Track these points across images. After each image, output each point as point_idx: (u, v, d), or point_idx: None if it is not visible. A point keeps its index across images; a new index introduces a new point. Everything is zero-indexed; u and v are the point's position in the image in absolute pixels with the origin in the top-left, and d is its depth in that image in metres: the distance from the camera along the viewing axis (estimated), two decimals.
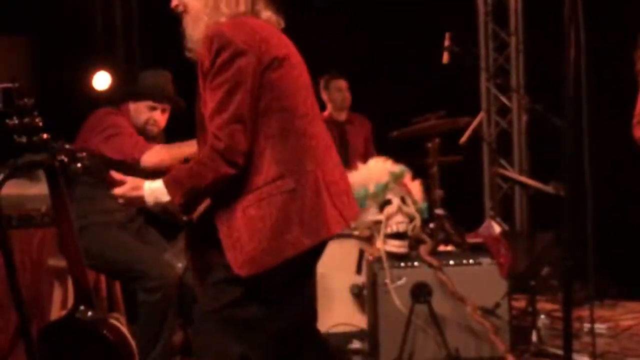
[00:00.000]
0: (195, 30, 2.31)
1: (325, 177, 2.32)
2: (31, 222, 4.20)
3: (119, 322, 2.23)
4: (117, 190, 2.24)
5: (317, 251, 2.38)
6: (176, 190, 2.19)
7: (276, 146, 2.26)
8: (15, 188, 4.20)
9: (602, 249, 4.38)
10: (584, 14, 2.23)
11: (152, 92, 3.66)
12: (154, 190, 2.21)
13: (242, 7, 2.32)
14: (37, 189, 4.17)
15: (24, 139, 1.98)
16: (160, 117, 3.68)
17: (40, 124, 1.98)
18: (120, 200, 2.28)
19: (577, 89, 2.23)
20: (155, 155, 3.47)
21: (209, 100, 2.22)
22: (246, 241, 2.22)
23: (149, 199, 2.22)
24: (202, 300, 2.35)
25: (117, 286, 4.06)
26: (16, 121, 1.96)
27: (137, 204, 2.27)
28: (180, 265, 3.52)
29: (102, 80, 6.55)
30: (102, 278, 4.00)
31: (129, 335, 2.18)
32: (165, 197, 2.20)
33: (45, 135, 1.99)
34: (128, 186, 2.23)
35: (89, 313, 2.15)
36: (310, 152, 2.32)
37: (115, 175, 2.26)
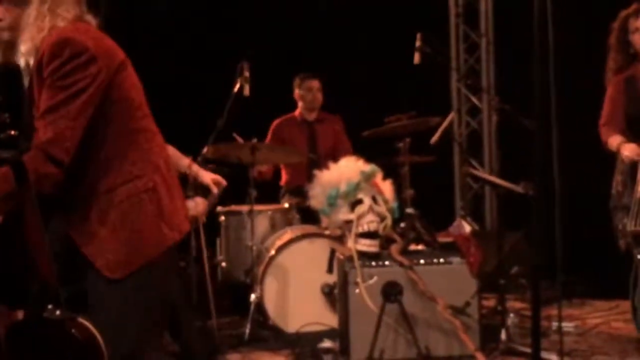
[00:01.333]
0: (27, 33, 2.24)
1: (169, 174, 2.38)
2: None
3: (86, 320, 2.20)
4: None
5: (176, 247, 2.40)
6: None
7: (128, 147, 2.28)
8: None
9: (570, 248, 4.45)
10: (554, 15, 2.24)
11: None
12: None
13: (77, 11, 2.30)
14: None
15: None
16: None
17: (7, 121, 1.96)
18: None
19: (546, 90, 2.25)
20: None
21: (44, 99, 2.17)
22: (114, 244, 2.23)
23: None
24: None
25: None
26: None
27: None
28: None
29: None
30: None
31: (97, 334, 2.15)
32: None
33: (12, 132, 1.97)
34: None
35: (56, 312, 2.12)
36: (157, 150, 2.36)
37: None
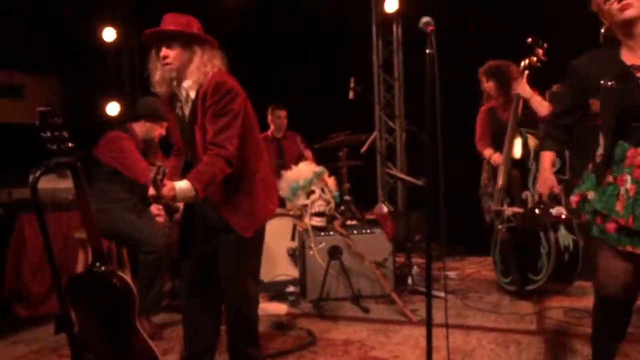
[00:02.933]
0: (194, 75, 2.28)
1: (266, 169, 2.51)
2: (61, 207, 4.09)
3: (125, 274, 2.18)
4: (151, 194, 2.09)
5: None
6: (199, 187, 2.13)
7: (254, 152, 2.39)
8: (49, 182, 4.10)
9: (454, 221, 4.50)
10: (440, 65, 2.25)
11: (157, 113, 3.54)
12: (183, 189, 2.11)
13: (221, 63, 2.35)
14: (66, 183, 4.07)
15: (54, 147, 1.92)
16: (162, 131, 3.59)
17: (67, 135, 1.93)
18: (155, 202, 2.14)
19: (435, 115, 2.25)
20: None
21: (212, 122, 2.23)
22: (246, 214, 2.34)
23: (179, 197, 2.11)
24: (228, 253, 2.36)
25: (124, 251, 3.97)
26: (49, 134, 1.90)
27: (168, 200, 2.10)
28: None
29: (113, 109, 6.42)
30: (113, 246, 3.91)
31: (131, 283, 2.13)
32: (191, 194, 2.12)
33: (70, 144, 1.94)
34: (165, 189, 2.08)
35: (102, 268, 2.10)
36: (262, 155, 2.46)
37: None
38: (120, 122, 3.74)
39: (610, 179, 2.05)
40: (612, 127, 2.02)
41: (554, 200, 2.30)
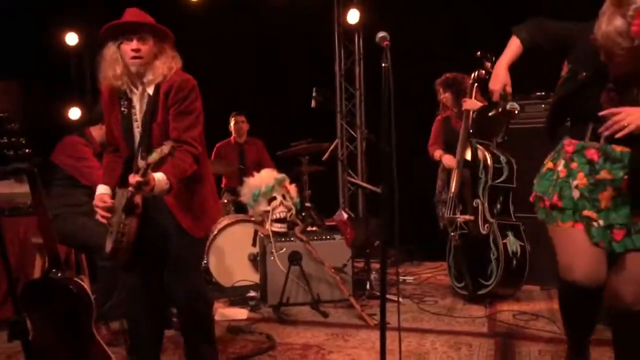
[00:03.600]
0: (157, 71, 2.24)
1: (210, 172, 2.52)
2: (19, 212, 3.96)
3: (82, 281, 2.15)
4: (134, 178, 2.02)
5: None
6: (174, 180, 2.11)
7: (204, 154, 2.37)
8: (7, 188, 3.99)
9: (411, 227, 4.59)
10: (396, 78, 2.30)
11: None
12: (160, 181, 2.07)
13: (180, 62, 2.33)
14: (23, 188, 3.94)
15: (11, 153, 1.89)
16: None
17: (24, 142, 1.90)
18: (137, 189, 2.06)
19: (390, 126, 2.30)
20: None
21: (177, 120, 2.21)
22: (202, 213, 2.35)
23: (157, 188, 2.07)
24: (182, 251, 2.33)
25: (83, 257, 3.90)
26: (5, 140, 1.87)
27: (146, 189, 2.06)
28: None
29: (75, 113, 6.31)
30: (72, 252, 3.83)
31: (89, 290, 2.11)
32: (166, 186, 2.10)
33: (27, 150, 1.91)
34: (144, 177, 2.03)
35: (59, 274, 2.07)
36: (207, 157, 2.50)
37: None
38: (79, 126, 3.66)
39: (550, 165, 2.18)
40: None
41: (505, 99, 2.23)
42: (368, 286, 4.24)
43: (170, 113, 2.21)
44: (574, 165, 2.09)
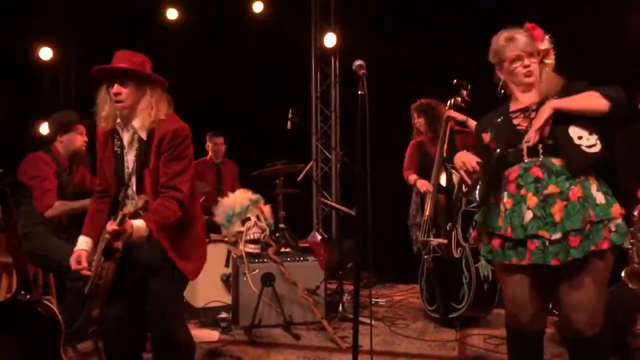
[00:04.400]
0: (140, 116, 2.26)
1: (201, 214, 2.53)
2: None
3: (50, 302, 2.11)
4: (111, 226, 2.03)
5: None
6: (154, 227, 2.12)
7: (196, 197, 2.43)
8: None
9: (384, 250, 4.61)
10: (372, 100, 2.34)
11: (75, 121, 3.47)
12: (139, 227, 2.09)
13: (168, 108, 2.33)
14: None
15: None
16: (84, 137, 3.50)
17: None
18: (114, 238, 2.09)
19: (365, 148, 2.34)
20: (55, 210, 3.31)
21: (167, 166, 2.22)
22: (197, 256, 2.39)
23: (135, 235, 2.08)
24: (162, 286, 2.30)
25: (51, 277, 3.80)
26: None
27: (123, 237, 2.08)
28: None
29: (45, 128, 6.22)
30: (39, 272, 3.73)
31: (57, 311, 2.06)
32: (145, 233, 2.11)
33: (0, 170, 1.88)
34: (121, 226, 2.04)
35: (27, 296, 2.02)
36: (198, 200, 2.50)
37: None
38: (46, 143, 3.60)
39: (491, 199, 2.23)
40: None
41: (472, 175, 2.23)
42: (340, 308, 4.24)
43: (162, 160, 2.24)
44: (522, 191, 2.14)
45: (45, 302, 2.04)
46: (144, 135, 2.27)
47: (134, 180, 2.28)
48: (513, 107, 2.28)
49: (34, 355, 2.04)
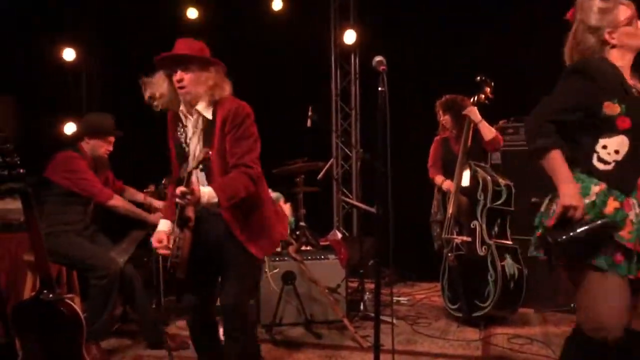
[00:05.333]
0: (205, 98, 2.32)
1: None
2: (11, 228, 3.94)
3: (73, 301, 2.12)
4: (179, 189, 2.13)
5: None
6: (222, 196, 2.18)
7: (262, 177, 2.46)
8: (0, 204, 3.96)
9: (405, 248, 4.57)
10: (392, 99, 2.31)
11: (108, 129, 3.50)
12: (207, 193, 2.16)
13: (230, 89, 2.42)
14: (16, 204, 3.92)
15: (5, 172, 1.87)
16: (109, 147, 3.55)
17: (18, 161, 1.89)
18: (182, 199, 2.14)
19: (386, 146, 2.31)
20: (116, 202, 3.39)
21: (235, 146, 2.28)
22: (266, 234, 2.44)
23: (203, 199, 2.15)
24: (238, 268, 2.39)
25: (74, 275, 3.85)
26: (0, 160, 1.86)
27: (194, 201, 2.15)
28: (121, 260, 3.39)
29: (70, 128, 6.31)
30: (64, 269, 3.79)
31: (79, 310, 2.08)
32: (214, 200, 2.17)
33: (21, 170, 1.90)
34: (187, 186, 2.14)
35: (50, 295, 2.04)
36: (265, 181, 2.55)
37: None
38: (73, 141, 3.64)
39: (616, 204, 1.93)
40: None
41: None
42: (362, 307, 4.20)
43: (228, 140, 2.29)
44: None
45: (68, 301, 2.05)
46: (209, 115, 2.33)
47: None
48: (630, 80, 2.00)
49: (56, 354, 2.06)
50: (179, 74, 2.29)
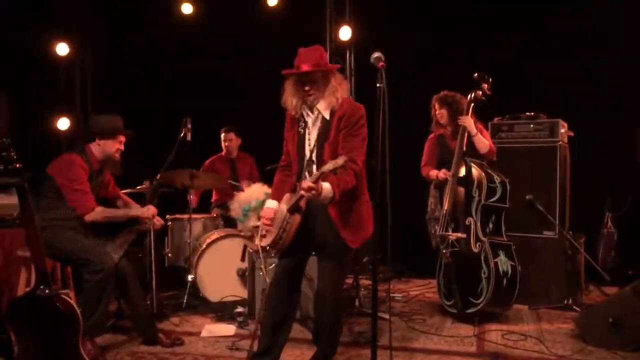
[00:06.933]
0: (327, 100, 2.65)
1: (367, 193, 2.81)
2: (5, 223, 3.93)
3: (68, 296, 2.12)
4: (307, 183, 2.40)
5: None
6: (337, 191, 2.46)
7: (363, 173, 2.69)
8: None
9: (401, 245, 4.58)
10: (390, 99, 2.32)
11: (119, 130, 3.53)
12: (326, 189, 2.44)
13: (346, 92, 2.73)
14: (10, 199, 3.91)
15: (1, 167, 1.87)
16: (121, 147, 3.57)
17: (14, 156, 1.88)
18: (308, 192, 2.40)
19: (384, 144, 2.32)
20: (96, 214, 3.40)
21: (345, 141, 2.57)
22: (359, 226, 2.66)
23: (322, 195, 2.43)
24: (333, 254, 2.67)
25: (69, 270, 3.84)
26: None
27: (315, 193, 2.41)
28: (116, 255, 3.39)
29: (63, 124, 6.28)
30: (58, 264, 3.77)
31: (75, 306, 2.08)
32: (330, 194, 2.45)
33: (18, 165, 1.89)
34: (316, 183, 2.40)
35: (46, 290, 2.04)
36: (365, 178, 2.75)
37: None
38: (82, 142, 3.65)
39: None
40: None
41: None
42: (357, 303, 4.21)
43: (341, 135, 2.60)
44: None
45: (64, 297, 2.05)
46: (327, 115, 2.66)
47: (315, 153, 2.66)
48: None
49: (53, 350, 2.06)
50: (307, 88, 2.65)
